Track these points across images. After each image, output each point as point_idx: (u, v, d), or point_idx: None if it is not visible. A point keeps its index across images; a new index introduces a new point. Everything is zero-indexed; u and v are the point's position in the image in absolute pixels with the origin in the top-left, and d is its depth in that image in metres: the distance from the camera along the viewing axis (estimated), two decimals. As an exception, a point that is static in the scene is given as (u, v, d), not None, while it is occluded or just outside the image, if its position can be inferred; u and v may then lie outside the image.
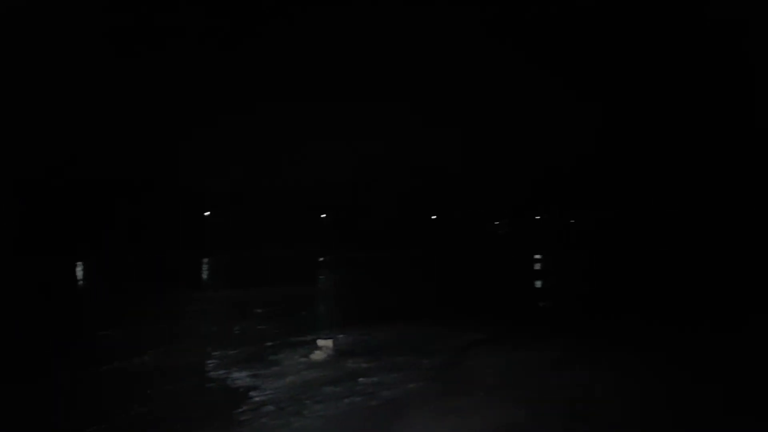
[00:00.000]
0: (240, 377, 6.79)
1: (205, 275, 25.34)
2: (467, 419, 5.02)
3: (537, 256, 29.25)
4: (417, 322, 10.13)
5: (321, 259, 31.31)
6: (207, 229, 39.41)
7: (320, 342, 7.86)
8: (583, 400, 5.30)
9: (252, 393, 6.14)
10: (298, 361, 7.44)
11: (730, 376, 5.94)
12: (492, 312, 11.51)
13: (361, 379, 6.56)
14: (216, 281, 22.61)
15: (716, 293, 12.36)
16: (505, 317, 10.90)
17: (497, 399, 5.51)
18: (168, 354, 8.06)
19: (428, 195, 45.87)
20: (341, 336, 8.80)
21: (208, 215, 41.61)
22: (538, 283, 18.03)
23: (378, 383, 6.39)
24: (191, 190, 39.79)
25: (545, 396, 5.43)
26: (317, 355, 7.56)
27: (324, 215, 45.23)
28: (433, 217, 50.20)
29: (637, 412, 5.09)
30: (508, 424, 4.82)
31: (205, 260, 31.00)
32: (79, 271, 25.19)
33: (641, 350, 7.28)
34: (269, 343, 8.51)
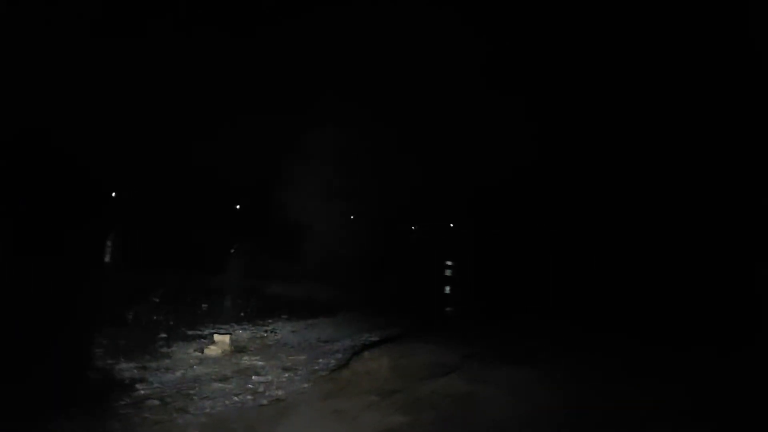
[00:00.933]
0: (127, 368, 6.60)
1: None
2: (351, 422, 5.19)
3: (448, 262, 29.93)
4: (317, 320, 10.23)
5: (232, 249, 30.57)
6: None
7: (216, 337, 7.79)
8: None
9: (138, 386, 6.00)
10: (191, 355, 7.33)
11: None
12: (396, 313, 11.75)
13: (254, 377, 6.58)
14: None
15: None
16: (406, 319, 11.16)
17: (382, 403, 5.71)
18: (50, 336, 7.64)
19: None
20: (239, 331, 8.74)
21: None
22: (446, 288, 18.56)
23: (270, 382, 6.44)
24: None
25: (425, 400, 5.68)
26: (212, 350, 7.49)
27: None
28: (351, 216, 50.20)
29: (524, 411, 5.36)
30: (388, 428, 5.03)
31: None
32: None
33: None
34: (163, 335, 8.30)
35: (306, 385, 6.36)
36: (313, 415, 5.41)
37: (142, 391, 5.84)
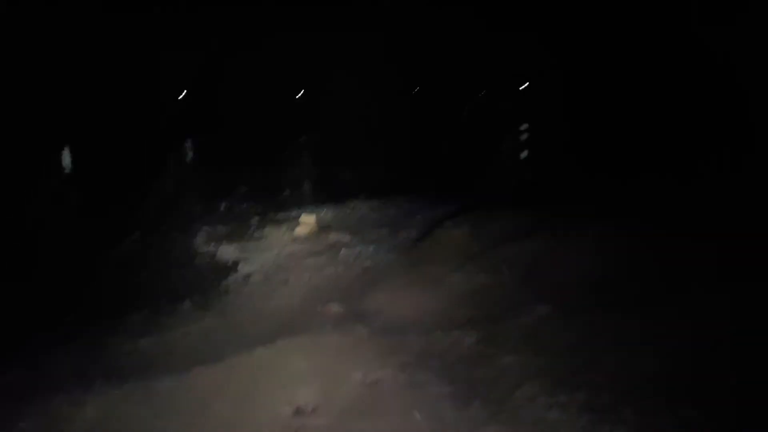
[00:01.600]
0: (229, 251, 7.22)
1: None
2: (438, 285, 5.54)
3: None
4: (395, 198, 10.50)
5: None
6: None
7: (303, 218, 8.26)
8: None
9: (241, 265, 6.61)
10: (283, 236, 7.88)
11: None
12: (470, 184, 11.78)
13: (342, 250, 7.04)
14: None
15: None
16: (481, 189, 11.19)
17: (466, 267, 6.00)
18: (156, 232, 8.38)
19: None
20: (323, 212, 9.17)
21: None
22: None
23: (358, 254, 6.88)
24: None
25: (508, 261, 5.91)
26: (301, 230, 7.99)
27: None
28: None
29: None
30: (474, 289, 5.34)
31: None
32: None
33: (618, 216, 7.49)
34: (255, 220, 8.89)
35: (392, 255, 6.74)
36: (402, 281, 5.80)
37: (246, 269, 6.44)
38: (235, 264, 6.68)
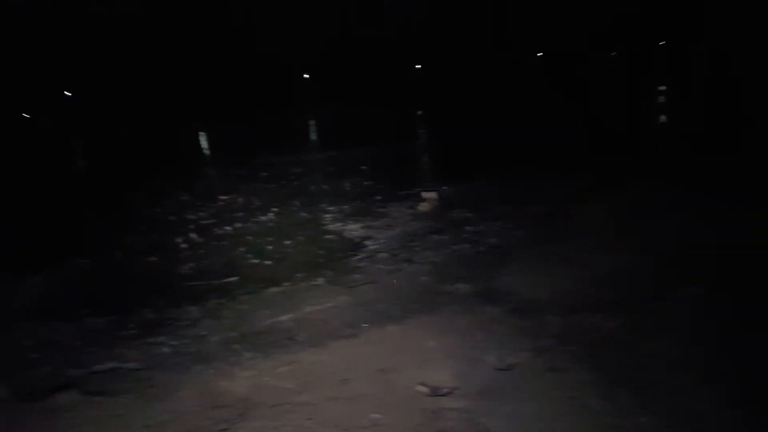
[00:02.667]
0: (354, 229, 7.39)
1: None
2: (571, 265, 5.27)
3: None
4: (519, 174, 10.15)
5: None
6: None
7: (425, 194, 8.24)
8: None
9: (366, 242, 6.73)
10: (406, 213, 7.91)
11: None
12: (595, 156, 11.15)
13: (467, 227, 6.94)
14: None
15: None
16: (611, 162, 10.56)
17: (601, 246, 5.66)
18: (285, 211, 8.78)
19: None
20: (445, 188, 9.09)
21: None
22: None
23: (483, 232, 6.74)
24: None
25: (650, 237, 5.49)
26: (423, 207, 7.98)
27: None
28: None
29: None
30: (612, 269, 5.01)
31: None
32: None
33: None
34: (378, 198, 9.02)
35: (520, 232, 6.53)
36: (531, 259, 5.60)
37: (371, 247, 6.55)
38: (362, 241, 6.81)
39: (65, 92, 41.41)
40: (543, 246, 5.84)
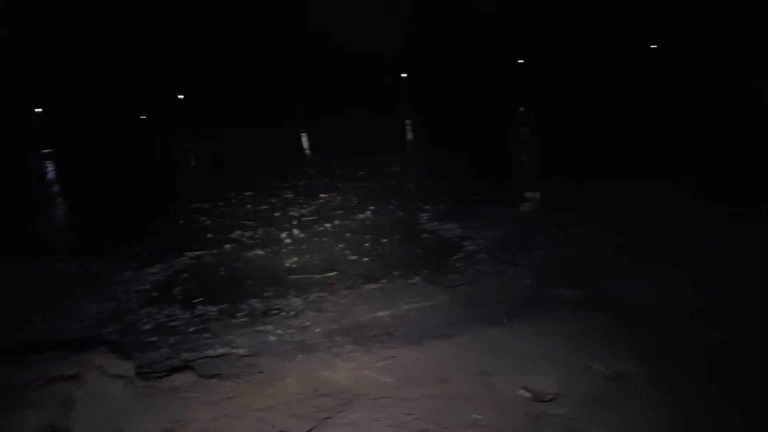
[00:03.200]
0: (451, 228, 7.34)
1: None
2: (682, 271, 4.93)
3: None
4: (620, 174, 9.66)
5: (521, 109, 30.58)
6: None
7: (527, 194, 8.03)
8: None
9: (465, 243, 6.66)
10: (504, 213, 7.75)
11: None
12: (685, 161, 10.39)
13: (571, 230, 6.68)
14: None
15: None
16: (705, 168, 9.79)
17: (724, 252, 5.25)
18: (381, 211, 8.88)
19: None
20: (545, 189, 8.82)
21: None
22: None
23: (586, 234, 6.47)
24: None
25: None
26: (523, 207, 7.78)
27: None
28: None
29: None
30: (733, 278, 4.63)
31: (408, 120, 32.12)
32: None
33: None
34: (475, 197, 8.91)
35: (624, 236, 6.20)
36: (647, 265, 5.31)
37: (470, 247, 6.47)
38: (460, 241, 6.75)
39: (178, 95, 44.54)
40: (650, 251, 5.51)
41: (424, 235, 7.26)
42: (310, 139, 27.10)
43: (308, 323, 4.68)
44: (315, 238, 7.49)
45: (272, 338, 4.42)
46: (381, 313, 4.73)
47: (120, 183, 16.19)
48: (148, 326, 4.86)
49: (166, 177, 17.10)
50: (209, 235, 8.10)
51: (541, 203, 7.82)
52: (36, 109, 40.77)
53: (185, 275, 6.30)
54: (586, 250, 5.94)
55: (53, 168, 24.27)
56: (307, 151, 22.96)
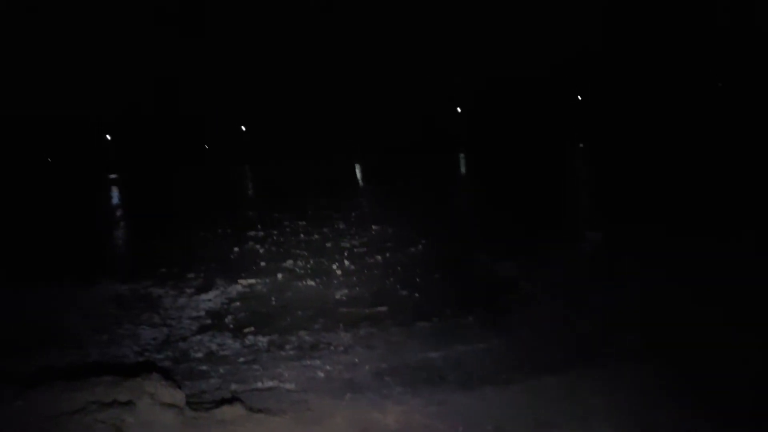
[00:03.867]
0: (507, 267, 7.13)
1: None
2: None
3: None
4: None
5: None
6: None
7: (588, 234, 7.75)
8: None
9: (521, 282, 6.43)
10: (564, 254, 7.47)
11: None
12: None
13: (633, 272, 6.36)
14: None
15: None
16: None
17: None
18: (434, 245, 8.75)
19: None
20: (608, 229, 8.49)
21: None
22: None
23: (652, 279, 6.13)
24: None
25: None
26: (584, 248, 7.50)
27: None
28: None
29: None
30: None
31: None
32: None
33: None
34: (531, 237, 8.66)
35: (689, 290, 5.83)
36: (709, 313, 4.94)
37: (527, 287, 6.24)
38: (515, 280, 6.53)
39: (242, 127, 46.25)
40: (722, 300, 5.14)
41: (479, 272, 7.08)
42: (363, 171, 27.36)
43: (357, 360, 4.57)
44: (365, 271, 7.43)
45: (321, 374, 4.33)
46: (432, 354, 4.57)
47: (180, 209, 16.71)
48: (199, 354, 4.87)
49: (226, 204, 17.54)
50: (262, 264, 8.17)
51: (602, 244, 7.52)
52: (106, 136, 43.07)
53: (237, 303, 6.33)
54: (652, 295, 5.61)
55: (117, 193, 25.38)
56: (360, 183, 23.16)
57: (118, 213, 18.51)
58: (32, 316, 6.21)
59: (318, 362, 4.53)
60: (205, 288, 6.94)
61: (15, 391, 3.70)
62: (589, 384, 3.90)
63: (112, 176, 32.35)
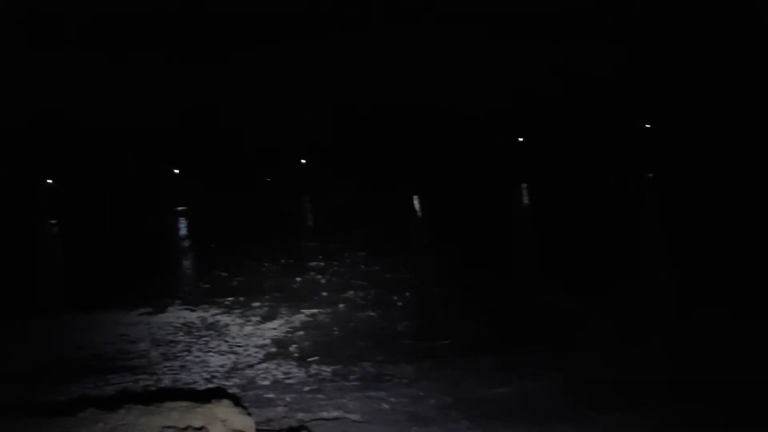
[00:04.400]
0: (564, 299, 6.95)
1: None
2: None
3: None
4: None
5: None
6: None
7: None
8: None
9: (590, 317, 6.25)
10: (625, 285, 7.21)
11: None
12: None
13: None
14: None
15: None
16: None
17: None
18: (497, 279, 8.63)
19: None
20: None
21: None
22: None
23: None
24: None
25: None
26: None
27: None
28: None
29: None
30: None
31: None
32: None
33: None
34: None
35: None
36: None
37: (595, 324, 6.05)
38: (583, 316, 6.35)
39: (301, 160, 47.66)
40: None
41: (541, 307, 6.92)
42: (422, 203, 27.44)
43: (421, 393, 4.53)
44: (427, 303, 7.40)
45: (385, 406, 4.32)
46: (500, 389, 4.48)
47: (244, 239, 17.21)
48: (266, 382, 4.96)
49: (288, 234, 17.94)
50: (324, 294, 8.28)
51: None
52: (174, 170, 45.23)
53: (301, 333, 6.42)
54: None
55: (186, 224, 26.43)
56: (419, 213, 23.21)
57: (186, 243, 19.26)
58: (107, 340, 6.51)
59: (382, 394, 4.52)
60: (270, 317, 7.09)
61: (95, 413, 3.88)
62: (658, 422, 3.73)
63: (180, 208, 33.86)
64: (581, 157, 36.08)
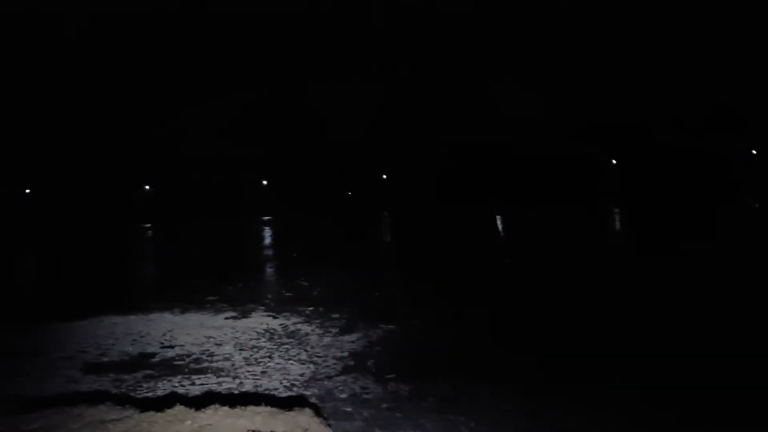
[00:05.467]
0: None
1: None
2: None
3: None
4: None
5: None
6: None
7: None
8: None
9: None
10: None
11: None
12: None
13: None
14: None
15: None
16: None
17: None
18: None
19: None
20: None
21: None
22: None
23: None
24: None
25: None
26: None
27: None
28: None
29: None
30: None
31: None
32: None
33: None
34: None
35: None
36: None
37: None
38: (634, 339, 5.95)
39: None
40: None
41: (615, 338, 6.56)
42: (504, 222, 26.95)
43: (501, 418, 4.39)
44: (516, 325, 7.22)
45: (464, 429, 4.21)
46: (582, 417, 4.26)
47: (325, 251, 17.57)
48: (344, 395, 4.98)
49: (365, 248, 18.15)
50: (401, 308, 8.28)
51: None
52: (263, 182, 47.34)
53: (379, 347, 6.42)
54: None
55: (270, 233, 27.37)
56: (502, 233, 22.78)
57: (269, 252, 19.90)
58: (194, 341, 6.80)
59: (461, 418, 4.40)
60: (348, 329, 7.15)
61: (183, 411, 4.03)
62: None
63: (266, 218, 35.22)
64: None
